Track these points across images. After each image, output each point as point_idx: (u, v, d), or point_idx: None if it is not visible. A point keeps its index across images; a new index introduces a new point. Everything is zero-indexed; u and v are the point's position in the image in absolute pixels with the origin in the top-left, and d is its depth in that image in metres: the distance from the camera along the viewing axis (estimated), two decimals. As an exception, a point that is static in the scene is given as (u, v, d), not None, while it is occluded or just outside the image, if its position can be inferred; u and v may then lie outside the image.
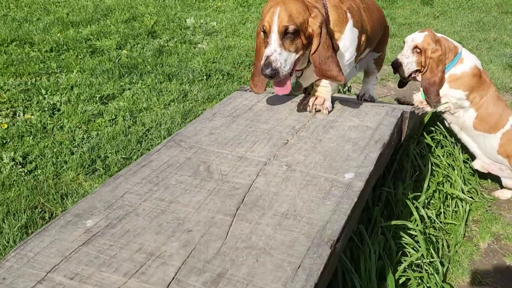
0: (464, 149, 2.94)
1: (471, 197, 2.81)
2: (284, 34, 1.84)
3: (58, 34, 5.28)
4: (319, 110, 2.16)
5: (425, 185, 2.38)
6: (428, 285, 2.00)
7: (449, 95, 2.69)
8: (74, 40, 5.08)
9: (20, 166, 2.97)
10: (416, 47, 2.65)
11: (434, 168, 2.59)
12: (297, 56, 1.90)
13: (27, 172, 2.92)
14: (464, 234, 2.60)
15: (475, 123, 2.74)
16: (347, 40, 2.04)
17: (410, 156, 2.45)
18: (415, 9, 6.86)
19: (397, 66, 2.70)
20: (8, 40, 4.99)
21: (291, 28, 1.81)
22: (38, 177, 2.89)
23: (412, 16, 6.54)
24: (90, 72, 4.34)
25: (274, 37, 1.82)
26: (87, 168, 2.98)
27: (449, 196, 2.56)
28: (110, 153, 3.15)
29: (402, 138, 2.23)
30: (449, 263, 2.36)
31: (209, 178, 1.65)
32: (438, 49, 2.61)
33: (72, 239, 1.38)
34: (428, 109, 2.72)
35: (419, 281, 1.96)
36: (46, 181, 2.85)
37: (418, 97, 2.80)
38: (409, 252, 2.00)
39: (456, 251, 2.46)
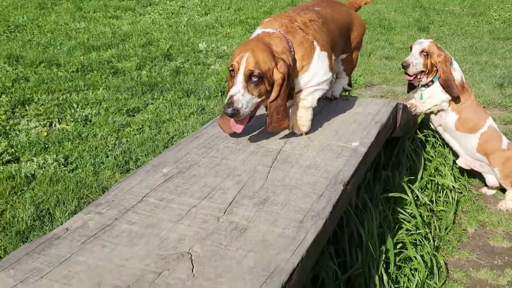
0: (449, 148, 3.40)
1: (460, 192, 3.25)
2: (249, 77, 1.96)
3: (82, 57, 5.80)
4: (295, 131, 2.33)
5: (419, 175, 2.82)
6: (421, 253, 2.43)
7: (435, 96, 3.16)
8: (97, 62, 5.59)
9: (63, 166, 3.42)
10: (423, 50, 3.14)
11: (426, 163, 3.04)
12: (259, 100, 2.02)
13: (69, 171, 3.37)
14: (454, 221, 3.03)
15: (457, 125, 3.20)
16: (316, 67, 2.18)
17: (406, 151, 2.90)
18: (412, 35, 7.42)
19: (406, 66, 3.17)
20: (36, 62, 5.51)
21: (256, 72, 1.94)
22: (80, 174, 3.33)
23: (410, 41, 7.08)
24: (115, 89, 4.83)
25: (240, 78, 1.96)
26: (122, 167, 3.43)
27: (440, 187, 3.00)
28: (140, 156, 3.60)
29: (397, 125, 2.69)
30: (440, 242, 2.78)
31: (249, 145, 2.17)
32: (442, 54, 3.11)
33: (155, 179, 1.91)
34: (418, 110, 3.19)
35: (414, 248, 2.39)
36: (87, 177, 3.29)
37: (412, 100, 3.28)
38: (405, 223, 2.43)
39: (446, 233, 2.89)
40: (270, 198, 1.76)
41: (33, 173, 3.29)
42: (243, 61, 1.93)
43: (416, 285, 2.23)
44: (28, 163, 3.40)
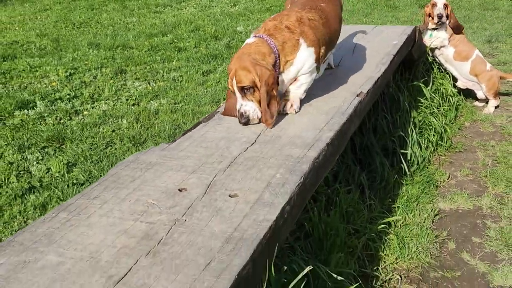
0: (449, 75, 4.90)
1: (459, 104, 4.74)
2: (242, 91, 2.31)
3: (146, 42, 7.31)
4: (289, 112, 2.56)
5: (430, 83, 4.30)
6: (435, 122, 3.91)
7: (441, 35, 4.65)
8: (161, 43, 7.10)
9: (174, 104, 4.92)
10: (445, 4, 4.58)
11: (434, 79, 4.53)
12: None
13: (180, 107, 4.87)
14: (455, 118, 4.52)
15: (454, 56, 4.70)
16: (301, 61, 2.46)
17: (419, 69, 4.38)
18: (414, 11, 8.94)
19: (441, 16, 4.56)
20: (114, 46, 7.02)
21: (245, 86, 2.29)
22: (189, 107, 4.83)
23: (412, 16, 8.60)
24: (185, 60, 6.33)
25: (238, 95, 2.32)
26: (216, 103, 4.93)
27: (444, 94, 4.49)
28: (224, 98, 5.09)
29: (416, 40, 4.12)
30: (446, 126, 4.25)
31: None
32: (450, 6, 4.61)
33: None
34: (427, 44, 4.67)
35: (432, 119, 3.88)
36: (195, 108, 4.79)
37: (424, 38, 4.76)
38: (423, 108, 3.93)
39: (451, 123, 4.37)
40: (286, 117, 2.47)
41: (156, 109, 4.78)
42: (234, 82, 2.30)
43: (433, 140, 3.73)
44: (149, 104, 4.90)
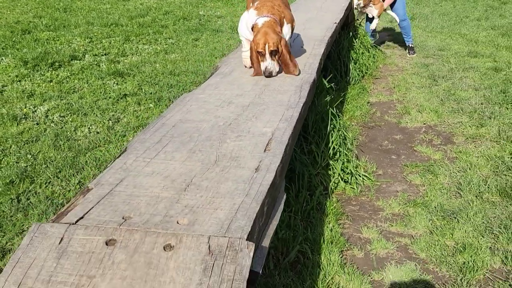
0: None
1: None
2: (271, 53, 3.16)
3: (132, 21, 9.49)
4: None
5: (357, 36, 7.01)
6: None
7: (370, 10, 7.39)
8: (146, 22, 9.32)
9: (184, 56, 7.26)
10: None
11: (358, 32, 7.26)
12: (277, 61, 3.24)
13: (189, 58, 7.21)
14: (374, 59, 7.28)
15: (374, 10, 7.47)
16: (285, 30, 3.40)
17: (352, 28, 7.08)
18: None
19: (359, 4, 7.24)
20: (108, 24, 9.14)
21: (273, 49, 3.14)
22: (194, 57, 7.19)
23: None
24: (173, 32, 8.64)
25: (267, 56, 3.15)
26: (213, 56, 7.32)
27: (366, 45, 7.22)
28: (219, 51, 7.50)
29: (350, 11, 6.81)
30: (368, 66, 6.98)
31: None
32: None
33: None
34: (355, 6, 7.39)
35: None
36: (199, 59, 7.15)
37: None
38: (355, 51, 6.62)
39: (372, 62, 7.12)
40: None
41: (173, 59, 7.10)
42: (266, 46, 3.12)
43: (363, 69, 6.43)
44: (166, 56, 7.20)
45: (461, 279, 2.87)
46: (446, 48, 7.70)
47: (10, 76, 6.05)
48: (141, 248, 1.59)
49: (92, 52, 7.20)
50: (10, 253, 3.03)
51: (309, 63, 3.60)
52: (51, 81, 5.96)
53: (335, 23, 4.99)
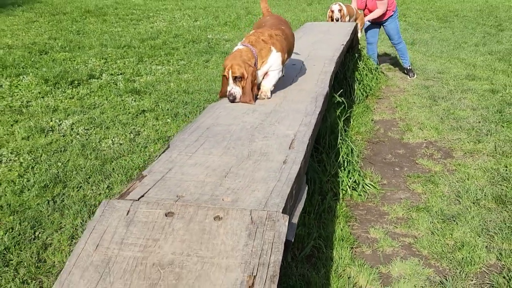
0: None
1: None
2: (234, 79, 3.29)
3: (144, 43, 9.95)
4: (263, 98, 3.51)
5: (361, 58, 7.45)
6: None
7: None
8: (157, 44, 9.78)
9: (196, 76, 7.69)
10: (339, 10, 7.76)
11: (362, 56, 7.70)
12: (242, 88, 3.34)
13: (201, 78, 7.64)
14: (377, 81, 7.71)
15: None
16: (271, 61, 3.50)
17: (356, 50, 7.52)
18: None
19: (338, 19, 7.74)
20: (121, 46, 9.59)
21: (237, 75, 3.26)
22: (206, 77, 7.61)
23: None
24: (184, 54, 9.09)
25: (231, 81, 3.30)
26: (224, 75, 7.75)
27: (370, 68, 7.65)
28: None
29: (355, 35, 7.26)
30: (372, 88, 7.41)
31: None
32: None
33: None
34: (360, 34, 7.84)
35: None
36: (210, 79, 7.58)
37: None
38: (361, 72, 7.05)
39: (377, 83, 7.55)
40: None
41: (186, 79, 7.52)
42: (230, 72, 3.28)
43: (367, 90, 6.85)
44: (179, 76, 7.62)
45: (460, 272, 3.21)
46: (446, 72, 8.13)
47: (33, 92, 6.45)
48: (195, 219, 1.95)
49: (108, 71, 7.63)
50: (51, 247, 3.38)
51: (321, 79, 4.00)
52: (72, 97, 6.36)
53: (342, 44, 5.41)
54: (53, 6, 14.29)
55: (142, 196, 2.10)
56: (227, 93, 3.41)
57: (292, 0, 16.36)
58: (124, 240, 1.88)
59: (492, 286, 3.09)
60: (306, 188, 2.47)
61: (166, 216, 1.97)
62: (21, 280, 3.05)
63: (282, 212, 1.98)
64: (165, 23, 12.30)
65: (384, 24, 7.66)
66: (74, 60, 8.31)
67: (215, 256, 1.80)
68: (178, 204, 2.02)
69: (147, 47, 9.45)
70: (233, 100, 3.39)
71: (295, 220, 2.17)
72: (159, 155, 2.52)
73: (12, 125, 5.40)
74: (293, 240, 2.01)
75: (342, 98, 4.68)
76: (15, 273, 3.11)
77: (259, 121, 3.00)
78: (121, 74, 7.57)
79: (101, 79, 7.23)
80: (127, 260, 1.80)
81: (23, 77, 7.03)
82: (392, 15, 7.53)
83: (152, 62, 8.42)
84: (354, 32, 6.89)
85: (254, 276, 1.72)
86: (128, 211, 2.00)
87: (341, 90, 5.14)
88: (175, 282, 1.71)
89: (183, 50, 9.28)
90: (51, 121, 5.47)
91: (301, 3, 15.76)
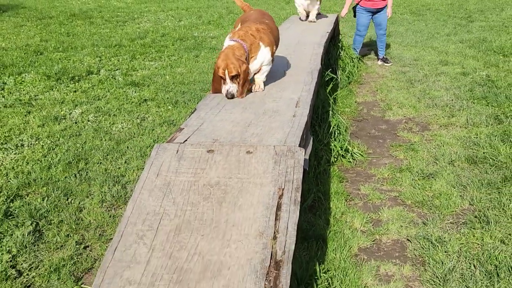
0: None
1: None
2: (231, 77, 3.36)
3: (134, 42, 10.45)
4: (257, 91, 3.65)
5: (342, 47, 8.08)
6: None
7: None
8: (147, 43, 10.30)
9: (189, 69, 8.24)
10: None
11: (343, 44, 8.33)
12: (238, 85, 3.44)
13: (194, 70, 8.19)
14: (358, 69, 8.35)
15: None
16: (262, 56, 3.59)
17: (337, 40, 8.15)
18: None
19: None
20: (112, 45, 10.08)
21: (234, 74, 3.32)
22: (199, 70, 8.16)
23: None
24: (174, 50, 9.62)
25: (228, 80, 3.35)
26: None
27: (351, 56, 8.29)
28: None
29: (337, 25, 7.88)
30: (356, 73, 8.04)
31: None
32: None
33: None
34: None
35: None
36: (203, 71, 8.13)
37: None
38: (342, 60, 7.68)
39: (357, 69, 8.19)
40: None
41: (181, 72, 8.06)
42: (226, 72, 3.33)
43: (349, 75, 7.48)
44: (174, 69, 8.15)
45: (438, 215, 3.83)
46: (420, 59, 8.81)
47: (38, 88, 6.93)
48: (231, 153, 2.52)
49: (105, 68, 8.12)
50: (85, 209, 3.90)
51: (313, 59, 4.62)
52: (76, 91, 6.85)
53: (327, 32, 6.03)
54: (38, 11, 14.68)
55: (185, 140, 2.66)
56: (226, 92, 3.46)
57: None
58: (178, 170, 2.44)
59: (466, 223, 3.71)
60: (312, 137, 3.05)
61: (208, 152, 2.54)
62: (65, 234, 3.57)
63: (299, 146, 2.56)
64: (150, 23, 12.79)
65: (380, 12, 8.27)
66: (70, 59, 8.76)
67: (251, 177, 2.37)
68: (216, 144, 2.59)
69: (138, 46, 9.94)
70: (231, 97, 3.47)
71: (307, 156, 2.75)
72: (189, 115, 3.08)
73: (25, 115, 5.87)
74: (307, 169, 2.58)
75: (332, 74, 5.27)
76: (59, 230, 3.62)
77: (266, 90, 3.59)
78: (117, 69, 8.06)
79: (100, 74, 7.71)
80: (183, 183, 2.36)
81: (26, 75, 7.48)
82: (387, 4, 8.20)
83: (144, 58, 8.92)
84: (336, 22, 7.51)
85: (283, 189, 2.30)
86: (177, 150, 2.56)
87: (330, 69, 5.73)
88: (223, 195, 2.28)
89: (172, 47, 9.80)
90: (62, 110, 5.96)
91: (280, 2, 16.44)
